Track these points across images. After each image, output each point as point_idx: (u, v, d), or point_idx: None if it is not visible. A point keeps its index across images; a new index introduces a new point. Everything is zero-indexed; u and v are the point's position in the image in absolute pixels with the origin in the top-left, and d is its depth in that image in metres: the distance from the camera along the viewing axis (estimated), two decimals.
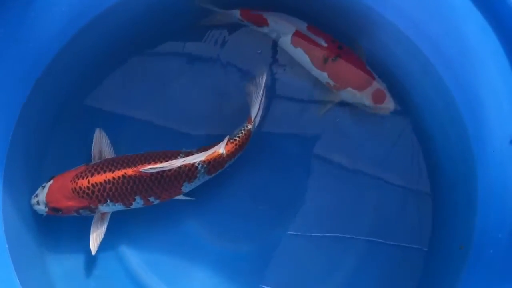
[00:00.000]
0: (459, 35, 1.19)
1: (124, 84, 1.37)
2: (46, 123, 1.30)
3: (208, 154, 1.16)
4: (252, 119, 1.23)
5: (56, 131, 1.31)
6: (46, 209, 1.17)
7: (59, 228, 1.25)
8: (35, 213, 1.21)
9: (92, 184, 1.15)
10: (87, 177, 1.15)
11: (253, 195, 1.32)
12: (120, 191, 1.15)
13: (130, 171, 1.14)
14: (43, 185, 1.19)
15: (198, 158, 1.16)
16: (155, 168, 1.13)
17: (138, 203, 1.18)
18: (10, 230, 1.16)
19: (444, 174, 1.31)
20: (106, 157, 1.22)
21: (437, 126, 1.34)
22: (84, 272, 1.25)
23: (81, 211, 1.18)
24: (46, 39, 1.24)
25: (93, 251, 1.19)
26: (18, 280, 1.13)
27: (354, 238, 1.30)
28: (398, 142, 1.37)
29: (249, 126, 1.22)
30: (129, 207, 1.19)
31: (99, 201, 1.16)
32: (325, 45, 1.32)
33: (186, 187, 1.19)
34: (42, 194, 1.17)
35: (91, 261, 1.25)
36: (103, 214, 1.20)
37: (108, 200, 1.16)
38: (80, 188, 1.15)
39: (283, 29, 1.34)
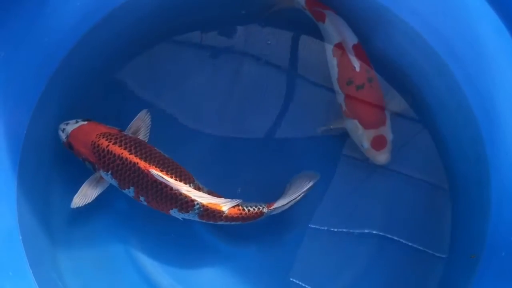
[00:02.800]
0: (474, 36, 1.18)
1: (141, 77, 1.38)
2: (61, 116, 1.29)
3: (210, 201, 1.15)
4: (272, 207, 1.19)
5: None
6: (65, 140, 1.22)
7: (71, 223, 1.26)
8: (48, 208, 1.24)
9: (107, 150, 1.17)
10: (110, 141, 1.17)
11: (263, 193, 1.29)
12: (122, 172, 1.16)
13: (142, 164, 1.15)
14: (78, 120, 1.23)
15: (200, 198, 1.15)
16: (162, 177, 1.14)
17: (129, 192, 1.19)
18: (24, 223, 1.17)
19: (457, 177, 1.30)
20: (139, 136, 1.24)
21: (450, 127, 1.32)
22: (94, 267, 1.25)
23: (86, 162, 1.21)
24: (61, 34, 1.25)
25: (73, 205, 1.20)
26: (31, 271, 1.15)
27: (366, 236, 1.29)
28: (411, 141, 1.36)
29: (265, 210, 1.18)
30: (122, 190, 1.20)
31: (103, 167, 1.18)
32: (358, 70, 1.29)
33: (174, 213, 1.18)
34: (70, 127, 1.22)
35: (101, 257, 1.26)
36: (101, 178, 1.22)
37: (110, 171, 1.18)
38: (98, 145, 1.18)
39: (332, 34, 1.33)
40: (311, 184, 1.20)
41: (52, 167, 1.28)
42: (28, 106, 1.23)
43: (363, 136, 1.27)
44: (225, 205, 1.15)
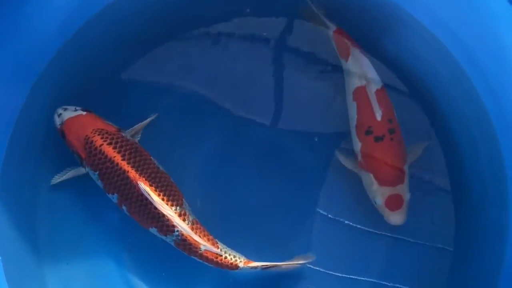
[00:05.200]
0: (497, 42, 1.11)
1: (137, 76, 1.33)
2: (44, 124, 1.24)
3: (191, 235, 1.11)
4: (250, 265, 1.15)
5: (55, 133, 1.24)
6: (59, 127, 1.18)
7: (59, 238, 1.22)
8: (32, 224, 1.20)
9: (99, 150, 1.12)
10: (105, 141, 1.13)
11: (264, 206, 1.26)
12: (110, 177, 1.12)
13: (132, 173, 1.11)
14: (77, 108, 1.19)
15: (182, 227, 1.11)
16: (149, 194, 1.09)
17: (113, 198, 1.15)
18: (4, 240, 1.12)
19: (471, 194, 1.23)
20: (134, 138, 1.20)
21: (467, 139, 1.25)
22: (83, 282, 1.22)
23: (75, 155, 1.18)
24: (46, 34, 1.20)
25: (52, 182, 1.20)
26: None
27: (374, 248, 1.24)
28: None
29: (241, 264, 1.14)
30: (106, 193, 1.16)
31: (91, 166, 1.14)
32: (379, 119, 1.19)
33: (153, 231, 1.14)
34: (67, 114, 1.17)
35: (90, 273, 1.21)
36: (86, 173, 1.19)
37: (98, 172, 1.14)
38: (91, 142, 1.13)
39: (355, 75, 1.23)
40: (300, 261, 1.17)
41: (37, 177, 1.23)
42: (10, 116, 1.17)
43: (377, 193, 1.18)
44: (204, 244, 1.11)
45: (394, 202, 1.16)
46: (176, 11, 1.34)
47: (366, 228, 1.24)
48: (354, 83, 1.23)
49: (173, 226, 1.10)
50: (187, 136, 1.29)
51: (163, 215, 1.10)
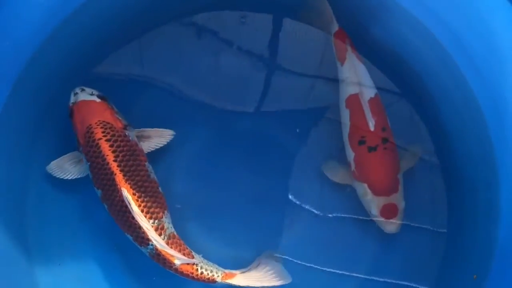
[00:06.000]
0: (484, 27, 1.11)
1: (120, 71, 1.34)
2: (31, 122, 1.24)
3: (166, 249, 1.09)
4: (228, 281, 1.12)
5: (39, 133, 1.25)
6: (71, 105, 1.19)
7: (47, 238, 1.21)
8: (22, 223, 1.19)
9: (96, 143, 1.12)
10: (105, 136, 1.12)
11: (255, 199, 1.26)
12: (98, 172, 1.12)
13: (119, 177, 1.10)
14: (94, 93, 1.19)
15: (157, 241, 1.09)
16: (129, 203, 1.08)
17: (98, 193, 1.15)
18: None
19: (463, 179, 1.23)
20: (144, 143, 1.20)
21: (456, 124, 1.25)
22: (74, 283, 1.21)
23: (76, 137, 1.18)
24: (24, 35, 1.16)
25: (47, 168, 1.19)
26: None
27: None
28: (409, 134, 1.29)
29: (218, 279, 1.12)
30: (93, 185, 1.16)
31: (86, 155, 1.14)
32: (372, 128, 1.18)
33: (129, 238, 1.14)
34: (82, 96, 1.18)
35: (82, 272, 1.21)
36: (82, 160, 1.18)
37: (89, 163, 1.14)
38: (91, 133, 1.13)
39: (349, 81, 1.22)
40: (278, 283, 1.14)
41: (25, 174, 1.22)
42: None
43: (372, 203, 1.18)
44: (178, 260, 1.10)
45: (389, 211, 1.17)
46: (159, 2, 1.32)
47: (357, 217, 1.24)
48: (347, 90, 1.22)
49: (148, 239, 1.09)
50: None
51: (140, 227, 1.08)
